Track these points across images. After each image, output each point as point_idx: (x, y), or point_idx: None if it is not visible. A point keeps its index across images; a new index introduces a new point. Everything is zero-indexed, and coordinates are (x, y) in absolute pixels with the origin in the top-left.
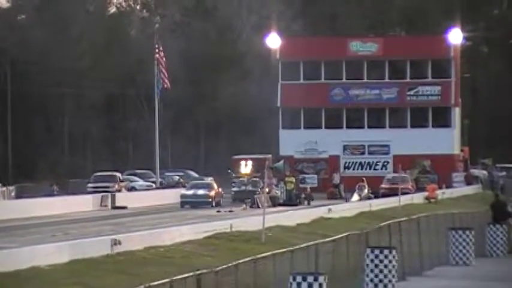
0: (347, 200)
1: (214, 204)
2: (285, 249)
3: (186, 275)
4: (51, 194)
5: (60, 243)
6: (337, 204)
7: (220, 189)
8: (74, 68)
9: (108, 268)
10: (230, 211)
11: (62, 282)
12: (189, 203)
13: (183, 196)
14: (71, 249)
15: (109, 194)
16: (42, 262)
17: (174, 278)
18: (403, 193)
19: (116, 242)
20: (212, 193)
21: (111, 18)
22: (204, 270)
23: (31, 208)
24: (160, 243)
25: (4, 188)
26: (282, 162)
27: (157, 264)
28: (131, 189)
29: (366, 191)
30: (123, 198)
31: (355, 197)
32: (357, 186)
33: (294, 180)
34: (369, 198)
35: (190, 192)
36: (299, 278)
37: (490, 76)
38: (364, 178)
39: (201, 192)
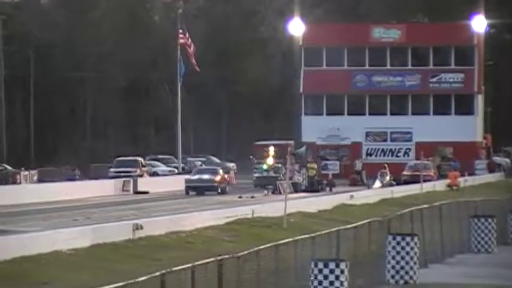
0: (369, 186)
1: (219, 190)
2: (306, 236)
3: (208, 260)
4: (73, 179)
5: (82, 228)
6: (359, 191)
7: (226, 175)
8: (96, 52)
9: (129, 253)
10: (252, 197)
11: (83, 267)
12: (193, 188)
13: (187, 181)
14: (92, 234)
15: (131, 179)
16: (64, 246)
17: (196, 263)
18: (425, 180)
19: (137, 227)
20: (217, 178)
21: (133, 3)
22: (226, 256)
23: (53, 192)
24: (182, 229)
25: (27, 172)
26: (304, 148)
27: (178, 249)
28: (153, 174)
29: (387, 178)
30: (145, 183)
31: (377, 183)
32: (379, 173)
33: (315, 166)
34: (391, 185)
35: (195, 177)
36: (320, 264)
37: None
38: (386, 165)
39: (206, 177)
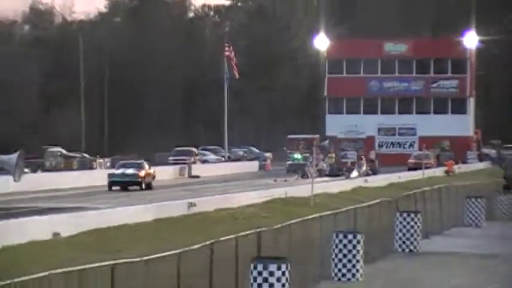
0: (347, 176)
1: (144, 186)
2: (329, 212)
3: (249, 232)
4: None
5: (146, 205)
6: (371, 176)
7: (152, 170)
8: (159, 62)
9: (185, 226)
10: (285, 180)
11: (148, 237)
12: (117, 183)
13: (110, 176)
14: (155, 210)
15: (186, 166)
16: (132, 220)
17: (239, 234)
18: (427, 167)
19: (191, 205)
20: (142, 173)
21: (189, 23)
22: (264, 228)
23: None
24: (228, 206)
25: (101, 160)
26: (327, 141)
27: (225, 223)
28: (204, 161)
29: (363, 168)
30: (197, 169)
31: (355, 173)
32: (357, 164)
33: (334, 156)
34: (368, 174)
35: (119, 171)
36: (341, 236)
37: (500, 72)
38: (363, 157)
39: (130, 171)
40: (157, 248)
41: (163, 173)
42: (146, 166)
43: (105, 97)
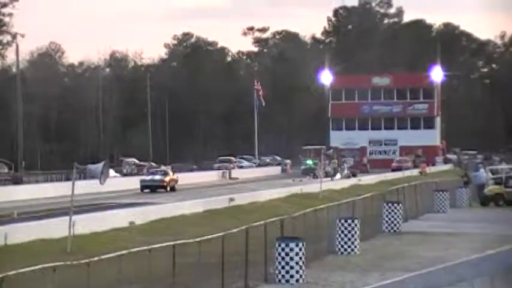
0: (332, 179)
1: (168, 189)
2: (334, 203)
3: (274, 219)
4: (192, 170)
5: (198, 200)
6: (363, 176)
7: (175, 176)
8: (206, 93)
9: (227, 215)
10: (300, 180)
11: (199, 224)
12: (147, 187)
13: (142, 181)
14: (204, 204)
15: (227, 170)
16: (186, 211)
17: (267, 220)
18: (406, 169)
19: (231, 199)
20: (167, 178)
21: (227, 65)
22: (285, 216)
23: (181, 179)
24: (258, 200)
25: (164, 167)
26: (331, 150)
27: (256, 213)
28: (240, 167)
29: (345, 171)
30: (236, 172)
31: (338, 175)
32: (340, 168)
33: (336, 161)
34: (349, 177)
35: (149, 177)
36: (343, 221)
37: (458, 97)
38: (345, 164)
39: (157, 177)
40: (207, 231)
41: (210, 176)
42: (170, 173)
43: (166, 120)
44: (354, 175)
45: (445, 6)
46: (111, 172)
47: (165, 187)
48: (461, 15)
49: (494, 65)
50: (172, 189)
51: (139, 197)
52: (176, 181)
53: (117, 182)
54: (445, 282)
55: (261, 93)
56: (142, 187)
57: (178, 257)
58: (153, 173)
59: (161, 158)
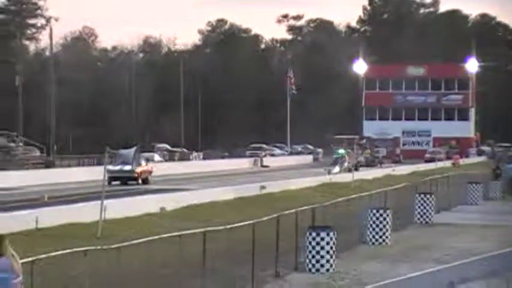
0: (329, 172)
1: (140, 181)
2: (365, 193)
3: (305, 207)
4: (224, 157)
5: (228, 187)
6: (396, 167)
7: (149, 166)
8: (238, 81)
9: (257, 203)
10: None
11: (229, 211)
12: (116, 179)
13: (109, 172)
14: (235, 191)
15: (259, 158)
16: (217, 198)
17: (298, 209)
18: (439, 160)
19: (262, 187)
20: (138, 170)
21: (261, 53)
22: (317, 205)
23: (212, 166)
24: (290, 188)
25: (196, 153)
26: (364, 140)
27: (287, 201)
28: (272, 155)
29: (345, 164)
30: (267, 160)
31: (337, 168)
32: (340, 161)
33: (368, 151)
34: (350, 170)
35: (117, 167)
36: (374, 211)
37: (493, 88)
38: (346, 156)
39: (127, 168)
40: (237, 218)
41: (242, 164)
42: (143, 163)
43: (199, 106)
44: (356, 169)
45: None
46: (156, 157)
47: (136, 179)
48: (498, 6)
49: None
50: (145, 181)
51: (170, 183)
52: (150, 172)
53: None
54: (479, 274)
55: (292, 81)
56: (110, 179)
57: (208, 243)
58: (122, 163)
59: (193, 144)
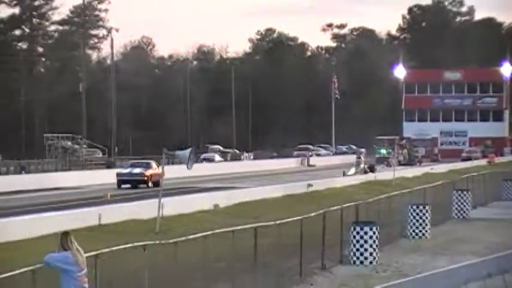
0: (344, 173)
1: (150, 184)
2: (406, 190)
3: (350, 204)
4: (273, 157)
5: (277, 185)
6: (435, 165)
7: (160, 169)
8: (287, 85)
9: (305, 200)
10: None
11: (278, 208)
12: (126, 182)
13: (119, 175)
14: (283, 189)
15: (306, 158)
16: (267, 196)
17: (343, 205)
18: (475, 159)
19: (309, 185)
20: (148, 172)
21: (305, 60)
22: (360, 202)
23: (262, 165)
24: (335, 186)
25: (246, 154)
26: (404, 141)
27: (333, 198)
28: (318, 155)
29: (361, 166)
30: (313, 160)
31: (352, 170)
32: (355, 162)
33: (407, 150)
34: (365, 172)
35: (127, 170)
36: (414, 207)
37: None
38: (361, 156)
39: (137, 171)
40: (286, 214)
41: (290, 163)
42: (154, 165)
43: (249, 110)
44: (372, 170)
45: None
46: (217, 157)
47: (146, 182)
48: None
49: None
50: (156, 184)
51: (223, 181)
52: (161, 175)
53: (203, 167)
54: None
55: (336, 85)
56: (120, 182)
57: (259, 239)
58: (132, 165)
59: (244, 145)
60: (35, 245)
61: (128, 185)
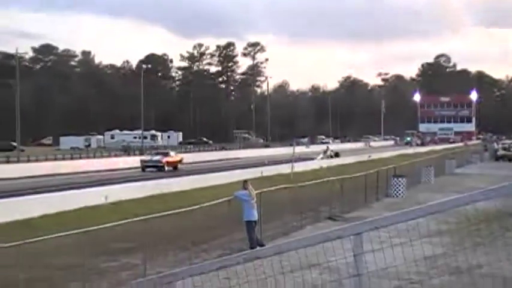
0: (316, 158)
1: (166, 169)
2: (420, 159)
3: (390, 166)
4: (349, 141)
5: (352, 157)
6: (435, 146)
7: (179, 157)
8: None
9: (367, 164)
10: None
11: (354, 167)
12: (148, 167)
13: (142, 161)
14: (356, 158)
15: (368, 142)
16: (347, 162)
17: (388, 166)
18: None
19: (369, 156)
20: (164, 160)
21: (369, 91)
22: (396, 165)
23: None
24: (383, 156)
25: (336, 140)
26: (419, 133)
27: (382, 162)
28: (374, 140)
29: (328, 152)
30: (372, 143)
31: (321, 155)
32: (323, 150)
33: (421, 138)
34: (331, 157)
35: (148, 158)
36: (426, 167)
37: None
38: (328, 146)
39: (155, 158)
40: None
41: (359, 145)
42: (172, 154)
43: (338, 117)
44: (337, 155)
45: None
46: (331, 143)
47: (163, 167)
48: None
49: None
50: (175, 168)
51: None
52: (178, 161)
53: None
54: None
55: (383, 105)
56: (143, 167)
57: (345, 184)
58: (154, 154)
59: (335, 135)
60: (226, 188)
61: (152, 169)
